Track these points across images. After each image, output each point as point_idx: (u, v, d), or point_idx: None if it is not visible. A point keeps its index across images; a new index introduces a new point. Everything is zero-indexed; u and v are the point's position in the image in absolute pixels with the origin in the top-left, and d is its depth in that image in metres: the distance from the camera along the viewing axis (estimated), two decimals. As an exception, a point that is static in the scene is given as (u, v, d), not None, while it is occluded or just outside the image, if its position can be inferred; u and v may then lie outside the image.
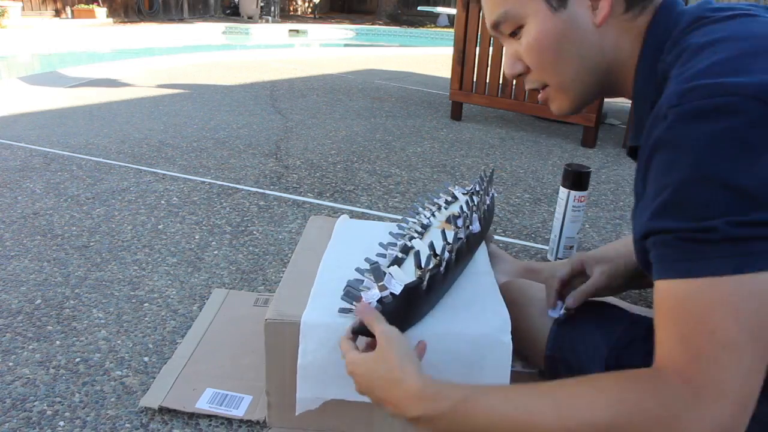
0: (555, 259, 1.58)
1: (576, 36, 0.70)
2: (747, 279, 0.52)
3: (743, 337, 0.52)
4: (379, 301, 0.77)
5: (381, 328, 0.73)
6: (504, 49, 0.76)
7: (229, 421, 0.94)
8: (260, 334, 0.86)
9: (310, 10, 15.98)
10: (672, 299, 0.57)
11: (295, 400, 0.87)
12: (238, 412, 0.95)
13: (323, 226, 1.18)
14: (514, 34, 0.72)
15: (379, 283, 0.77)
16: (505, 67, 0.75)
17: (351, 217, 1.24)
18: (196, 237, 1.64)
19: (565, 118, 2.99)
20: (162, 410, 0.96)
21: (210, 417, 0.95)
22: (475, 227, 1.00)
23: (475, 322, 0.85)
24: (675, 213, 0.56)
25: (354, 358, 0.73)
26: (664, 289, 0.57)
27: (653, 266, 0.59)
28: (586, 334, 0.92)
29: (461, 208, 1.07)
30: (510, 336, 0.83)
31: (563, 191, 1.53)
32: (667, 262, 0.57)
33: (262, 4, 12.98)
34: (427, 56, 6.92)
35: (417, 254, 0.81)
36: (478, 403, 0.63)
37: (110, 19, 10.45)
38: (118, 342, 1.15)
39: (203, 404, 0.96)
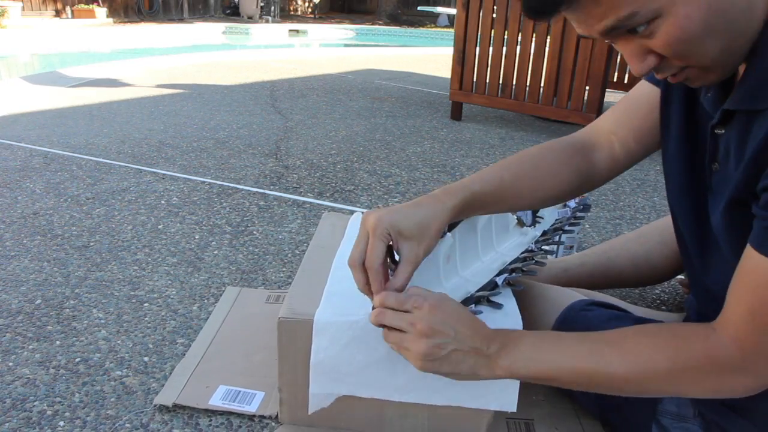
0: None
1: (724, 4, 0.59)
2: None
3: None
4: None
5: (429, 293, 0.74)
6: (621, 49, 0.65)
7: (229, 421, 0.94)
8: (272, 331, 0.86)
9: (310, 10, 15.98)
10: (759, 272, 0.59)
11: (307, 397, 0.87)
12: (251, 408, 0.95)
13: (336, 223, 1.17)
14: (634, 31, 0.62)
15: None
16: (634, 67, 0.65)
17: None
18: (196, 237, 1.64)
19: (564, 118, 2.99)
20: (162, 410, 0.96)
21: (210, 417, 0.95)
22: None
23: (487, 322, 0.84)
24: None
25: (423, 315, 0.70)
26: (756, 260, 0.60)
27: (754, 231, 0.61)
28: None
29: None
30: None
31: (563, 191, 1.53)
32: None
33: (262, 4, 12.97)
34: (427, 56, 6.92)
35: None
36: (549, 343, 0.73)
37: (110, 19, 10.45)
38: (118, 342, 1.15)
39: (216, 401, 0.97)
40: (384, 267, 0.73)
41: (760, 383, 0.64)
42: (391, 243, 0.74)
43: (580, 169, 0.91)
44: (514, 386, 0.82)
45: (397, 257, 0.75)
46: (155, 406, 0.97)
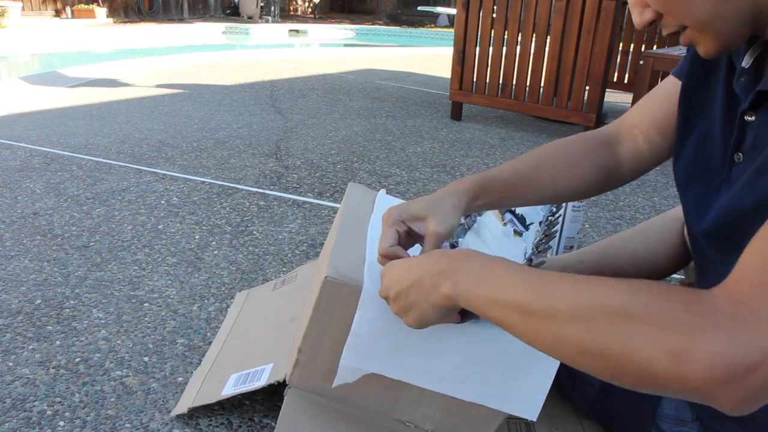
0: (555, 259, 1.58)
1: None
2: None
3: None
4: None
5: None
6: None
7: (229, 421, 0.94)
8: (284, 309, 0.82)
9: (310, 10, 15.99)
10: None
11: (326, 365, 0.84)
12: (260, 383, 0.91)
13: (363, 194, 1.12)
14: None
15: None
16: (635, 19, 0.66)
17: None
18: (196, 237, 1.64)
19: (564, 118, 2.99)
20: (162, 410, 0.96)
21: (210, 417, 0.95)
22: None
23: None
24: None
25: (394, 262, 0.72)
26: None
27: None
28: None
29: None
30: None
31: (563, 191, 1.53)
32: None
33: (262, 4, 12.97)
34: (427, 56, 6.92)
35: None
36: (499, 266, 0.61)
37: (110, 19, 10.45)
38: (118, 342, 1.15)
39: (228, 390, 0.94)
40: (398, 251, 0.75)
41: (735, 350, 0.44)
42: (408, 229, 0.76)
43: (602, 162, 0.90)
44: (541, 395, 0.80)
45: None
46: (173, 417, 0.95)
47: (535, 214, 1.15)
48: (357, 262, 0.84)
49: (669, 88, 0.86)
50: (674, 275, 1.30)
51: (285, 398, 0.86)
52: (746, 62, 0.68)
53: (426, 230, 0.76)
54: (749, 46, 0.69)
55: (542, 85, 3.01)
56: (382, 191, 1.12)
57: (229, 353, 1.07)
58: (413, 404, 0.87)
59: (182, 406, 0.96)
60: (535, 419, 0.80)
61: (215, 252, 1.55)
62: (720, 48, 0.64)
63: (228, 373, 0.99)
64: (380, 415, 0.88)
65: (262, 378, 0.92)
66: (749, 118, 0.66)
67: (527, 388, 0.81)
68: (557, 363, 0.80)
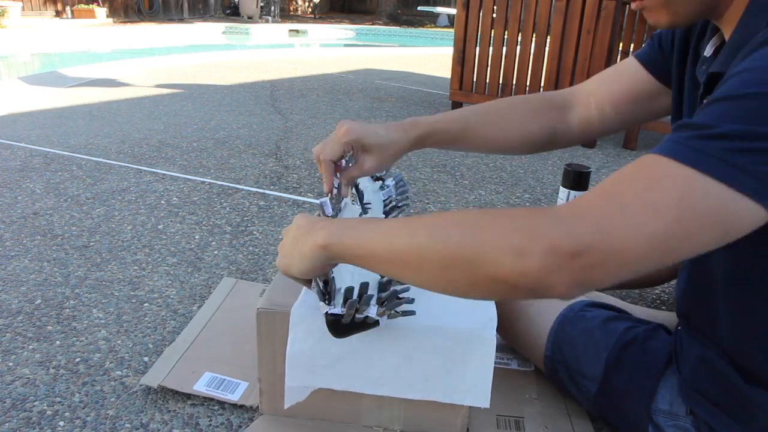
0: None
1: None
2: (714, 184, 0.49)
3: (671, 213, 0.49)
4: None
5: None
6: None
7: (229, 421, 0.94)
8: None
9: (310, 10, 15.98)
10: (639, 163, 0.53)
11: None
12: (234, 397, 0.97)
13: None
14: None
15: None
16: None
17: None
18: (196, 237, 1.64)
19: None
20: (162, 410, 0.96)
21: (210, 417, 0.95)
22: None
23: (461, 317, 0.86)
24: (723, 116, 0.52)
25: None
26: (642, 158, 0.54)
27: (665, 143, 0.55)
28: (586, 334, 0.92)
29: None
30: (495, 332, 0.83)
31: (563, 191, 1.53)
32: (666, 143, 0.54)
33: (262, 4, 12.97)
34: (427, 56, 6.92)
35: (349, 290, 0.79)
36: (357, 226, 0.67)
37: (110, 19, 10.45)
38: (118, 342, 1.15)
39: (201, 387, 0.98)
40: (335, 165, 0.87)
41: (564, 241, 0.49)
42: (350, 151, 0.87)
43: (550, 124, 0.95)
44: (485, 382, 0.83)
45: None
46: (141, 386, 0.99)
47: (374, 195, 1.13)
48: (295, 288, 0.89)
49: (634, 69, 0.92)
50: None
51: (256, 422, 0.92)
52: (708, 51, 0.73)
53: (360, 159, 0.87)
54: (712, 36, 0.73)
55: (542, 85, 3.01)
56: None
57: (207, 345, 1.10)
58: (376, 408, 0.90)
59: (152, 380, 0.99)
60: (487, 406, 0.84)
61: (215, 252, 1.55)
62: (671, 22, 0.70)
63: (202, 368, 1.03)
64: (352, 426, 0.92)
65: (235, 393, 0.98)
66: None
67: (470, 376, 0.83)
68: (494, 341, 0.83)
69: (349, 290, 0.77)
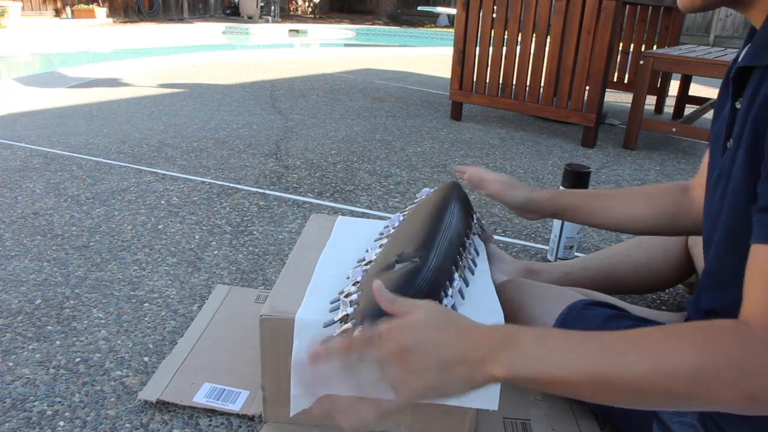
0: (555, 260, 1.58)
1: None
2: None
3: None
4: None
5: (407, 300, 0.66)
6: None
7: (229, 421, 0.94)
8: (258, 330, 0.86)
9: (310, 10, 15.98)
10: (765, 262, 0.57)
11: (290, 396, 0.87)
12: (235, 407, 0.96)
13: (323, 225, 1.19)
14: None
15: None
16: None
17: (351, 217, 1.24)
18: (196, 237, 1.64)
19: (564, 118, 2.99)
20: (162, 410, 0.96)
21: (210, 417, 0.95)
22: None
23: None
24: None
25: (393, 326, 0.62)
26: (761, 252, 0.58)
27: (754, 230, 0.59)
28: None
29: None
30: None
31: (563, 191, 1.53)
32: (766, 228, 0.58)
33: (262, 4, 12.97)
34: (427, 56, 6.92)
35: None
36: (556, 343, 0.59)
37: (110, 19, 10.45)
38: (118, 342, 1.15)
39: (200, 398, 0.97)
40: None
41: None
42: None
43: (673, 200, 1.02)
44: (495, 384, 0.82)
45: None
46: (140, 401, 0.97)
47: None
48: (298, 294, 0.89)
49: None
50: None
51: None
52: (742, 57, 0.71)
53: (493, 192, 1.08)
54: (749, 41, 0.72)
55: (542, 85, 3.01)
56: (341, 217, 1.17)
57: (204, 355, 1.09)
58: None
59: (151, 394, 0.98)
60: (495, 408, 0.82)
61: (215, 252, 1.55)
62: (701, 5, 0.69)
63: (201, 379, 1.02)
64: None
65: (236, 402, 0.97)
66: (738, 106, 0.68)
67: None
68: None
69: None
